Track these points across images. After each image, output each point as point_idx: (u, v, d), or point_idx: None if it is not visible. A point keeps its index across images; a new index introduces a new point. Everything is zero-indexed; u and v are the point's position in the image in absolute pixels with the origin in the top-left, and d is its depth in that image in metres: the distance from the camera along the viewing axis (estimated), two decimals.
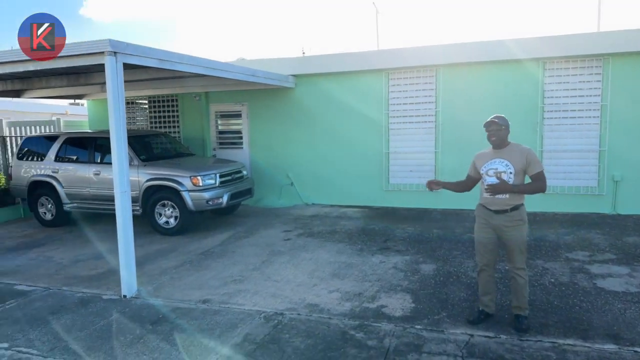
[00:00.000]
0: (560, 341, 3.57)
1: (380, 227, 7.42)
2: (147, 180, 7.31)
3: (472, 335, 3.71)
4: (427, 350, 3.51)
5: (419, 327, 3.90)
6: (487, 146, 3.86)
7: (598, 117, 7.76)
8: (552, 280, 4.85)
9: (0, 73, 5.72)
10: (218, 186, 7.40)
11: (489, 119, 3.72)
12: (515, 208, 3.64)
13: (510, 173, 3.61)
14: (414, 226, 7.42)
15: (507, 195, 3.62)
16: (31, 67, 5.31)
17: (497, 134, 3.66)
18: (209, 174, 7.35)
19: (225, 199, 7.39)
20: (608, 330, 3.72)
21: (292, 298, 4.63)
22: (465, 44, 8.35)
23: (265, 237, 7.02)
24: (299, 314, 4.24)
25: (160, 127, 10.75)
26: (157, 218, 7.37)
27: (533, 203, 7.96)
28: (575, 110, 7.88)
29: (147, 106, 11.04)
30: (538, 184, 3.65)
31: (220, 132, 10.37)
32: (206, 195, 7.17)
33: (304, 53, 16.04)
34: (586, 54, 7.69)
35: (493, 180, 3.64)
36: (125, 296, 4.86)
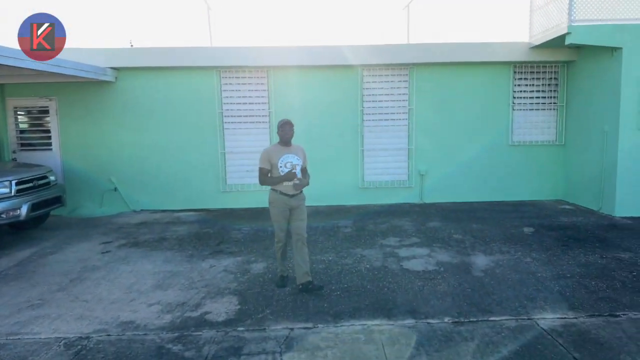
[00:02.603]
0: (369, 322, 3.89)
1: (215, 230, 7.19)
2: None
3: (292, 329, 3.78)
4: (246, 351, 3.45)
5: (241, 329, 3.83)
6: (297, 142, 4.76)
7: (406, 119, 8.84)
8: (368, 265, 5.31)
9: None
10: (14, 195, 6.22)
11: (284, 121, 4.56)
12: (301, 191, 4.65)
13: (298, 165, 4.53)
14: (250, 226, 7.39)
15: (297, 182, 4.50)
16: None
17: (291, 133, 4.57)
18: (1, 182, 6.13)
19: (24, 210, 6.26)
20: (409, 307, 4.19)
21: (102, 318, 4.10)
22: (292, 47, 8.64)
23: (78, 252, 6.15)
24: (108, 335, 3.77)
25: None
26: None
27: (357, 197, 8.80)
28: (388, 114, 8.84)
29: None
30: (308, 174, 4.73)
31: (22, 132, 8.78)
32: None
33: (132, 45, 14.72)
34: (397, 63, 8.69)
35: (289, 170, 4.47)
36: None
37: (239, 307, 4.27)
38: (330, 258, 5.64)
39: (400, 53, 8.66)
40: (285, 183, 4.47)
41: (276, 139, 4.82)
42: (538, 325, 3.80)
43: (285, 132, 4.53)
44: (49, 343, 3.68)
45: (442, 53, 8.63)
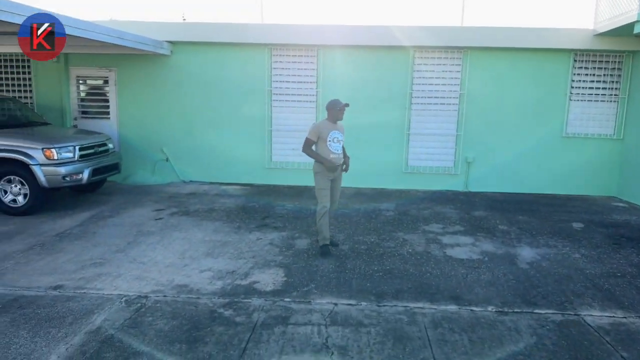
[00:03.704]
0: (412, 305, 3.96)
1: (261, 205, 7.41)
2: None
3: (336, 304, 3.92)
4: (293, 321, 3.61)
5: (288, 299, 4.00)
6: (326, 123, 5.15)
7: (457, 104, 8.66)
8: (410, 250, 5.35)
9: None
10: (77, 160, 6.64)
11: (344, 104, 5.07)
12: (343, 164, 5.25)
13: (342, 140, 5.14)
14: (294, 203, 7.55)
15: (340, 156, 5.16)
16: None
17: (343, 114, 5.11)
18: (66, 147, 6.55)
19: (85, 175, 6.67)
20: (452, 293, 4.23)
21: (159, 280, 4.39)
22: (343, 26, 8.56)
23: (133, 217, 6.53)
24: (165, 296, 4.04)
25: (7, 92, 9.22)
26: (1, 195, 6.39)
27: (400, 182, 8.78)
28: (438, 97, 8.67)
29: None
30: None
31: (83, 100, 9.26)
32: (62, 170, 6.39)
33: (184, 19, 15.02)
34: (450, 46, 8.47)
35: (337, 146, 5.06)
36: None
37: (285, 279, 4.45)
38: (372, 240, 5.72)
39: (455, 36, 8.43)
40: (331, 155, 5.00)
41: (322, 118, 5.15)
42: (585, 321, 3.75)
43: (342, 113, 5.09)
44: (111, 299, 3.99)
45: (498, 37, 8.32)
